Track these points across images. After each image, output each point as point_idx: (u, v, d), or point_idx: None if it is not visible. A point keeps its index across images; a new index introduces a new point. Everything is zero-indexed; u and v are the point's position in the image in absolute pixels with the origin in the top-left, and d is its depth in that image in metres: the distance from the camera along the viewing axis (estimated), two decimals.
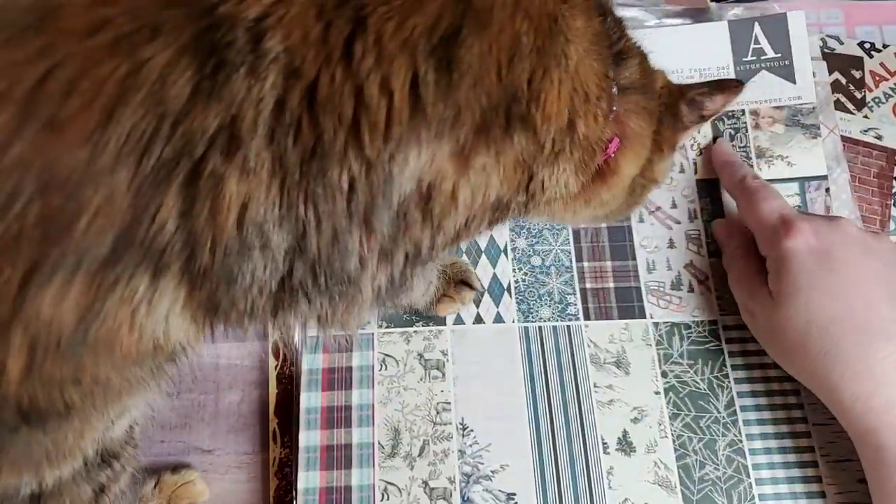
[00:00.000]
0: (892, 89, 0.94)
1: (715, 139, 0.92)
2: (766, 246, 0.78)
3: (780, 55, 0.94)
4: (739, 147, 0.91)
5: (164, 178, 0.45)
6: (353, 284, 0.55)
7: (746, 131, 0.92)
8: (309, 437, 0.80)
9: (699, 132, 0.92)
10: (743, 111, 0.93)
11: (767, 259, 0.77)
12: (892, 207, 0.89)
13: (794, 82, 0.93)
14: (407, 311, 0.86)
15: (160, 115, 0.44)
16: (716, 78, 0.94)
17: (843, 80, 0.95)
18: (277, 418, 0.83)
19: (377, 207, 0.51)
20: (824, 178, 0.90)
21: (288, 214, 0.49)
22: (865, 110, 0.93)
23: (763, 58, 0.94)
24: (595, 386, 0.82)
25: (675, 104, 0.72)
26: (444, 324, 0.85)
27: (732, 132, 0.92)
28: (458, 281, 0.85)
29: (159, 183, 0.45)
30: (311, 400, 0.81)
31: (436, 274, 0.82)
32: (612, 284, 0.86)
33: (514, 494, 0.78)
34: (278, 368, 0.84)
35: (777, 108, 0.93)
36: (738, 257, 0.82)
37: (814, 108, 0.92)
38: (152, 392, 0.59)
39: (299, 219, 0.49)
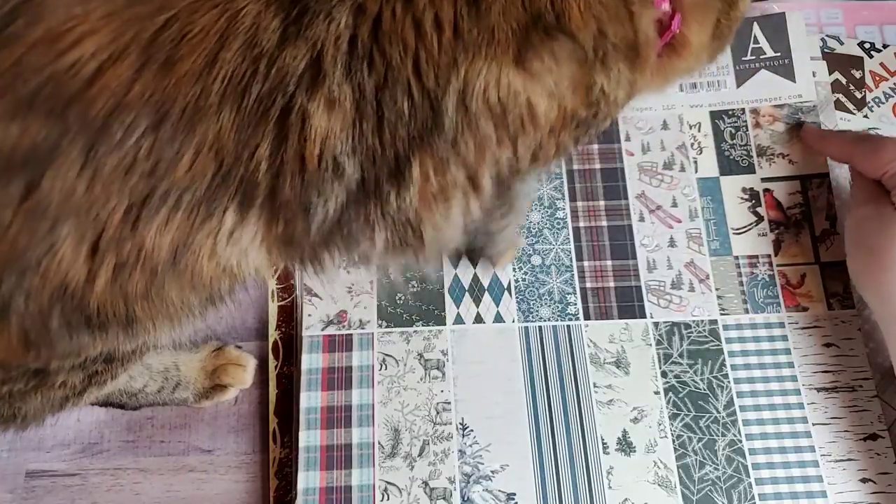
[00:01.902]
0: (892, 89, 0.94)
1: (800, 125, 0.92)
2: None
3: (779, 54, 0.94)
4: (740, 145, 0.91)
5: (261, 116, 0.50)
6: (412, 223, 0.59)
7: (747, 130, 0.92)
8: (309, 437, 0.79)
9: (699, 131, 0.91)
10: (743, 110, 0.93)
11: None
12: None
13: (793, 81, 0.93)
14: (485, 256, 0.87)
15: (255, 56, 0.49)
16: (714, 77, 0.94)
17: (844, 80, 0.94)
18: (277, 418, 0.82)
19: (435, 138, 0.55)
20: (826, 175, 0.90)
21: (360, 144, 0.53)
22: (865, 110, 0.93)
23: (762, 57, 0.94)
24: (595, 386, 0.82)
25: None
26: (444, 323, 0.84)
27: (733, 130, 0.92)
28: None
29: (258, 121, 0.50)
30: (310, 400, 0.81)
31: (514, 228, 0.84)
32: (612, 284, 0.86)
33: (514, 494, 0.78)
34: (278, 368, 0.84)
35: (777, 106, 0.93)
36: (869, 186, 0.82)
37: (814, 106, 0.92)
38: (189, 327, 0.62)
39: (370, 148, 0.53)
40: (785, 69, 0.94)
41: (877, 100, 0.93)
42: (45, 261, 0.49)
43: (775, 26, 0.94)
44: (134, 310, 0.54)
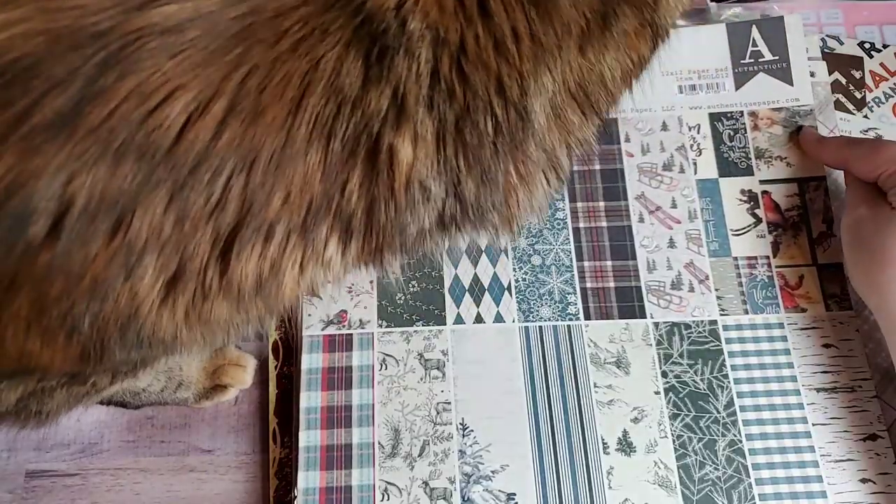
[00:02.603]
0: (892, 89, 0.94)
1: (800, 129, 0.92)
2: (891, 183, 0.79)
3: (777, 57, 0.94)
4: (738, 147, 0.91)
5: (349, 156, 0.52)
6: (496, 211, 0.62)
7: (745, 132, 0.92)
8: (309, 437, 0.79)
9: (698, 133, 0.91)
10: (741, 112, 0.93)
11: None
12: None
13: (791, 84, 0.93)
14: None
15: (340, 101, 0.51)
16: (713, 80, 0.94)
17: (843, 81, 0.94)
18: (277, 418, 0.82)
19: (522, 140, 0.58)
20: (823, 178, 0.89)
21: (445, 168, 0.56)
22: (865, 110, 0.93)
23: (761, 60, 0.94)
24: (595, 386, 0.81)
25: None
26: (445, 323, 0.84)
27: (731, 133, 0.91)
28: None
29: (346, 160, 0.52)
30: (310, 400, 0.80)
31: None
32: (612, 284, 0.85)
33: (514, 494, 0.77)
34: (278, 368, 0.84)
35: (775, 109, 0.92)
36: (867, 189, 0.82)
37: (811, 109, 0.92)
38: (212, 346, 0.67)
39: (453, 170, 0.56)
40: (783, 73, 0.94)
41: (877, 100, 0.93)
42: (125, 290, 0.50)
43: (774, 30, 0.94)
44: (192, 334, 0.56)
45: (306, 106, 0.50)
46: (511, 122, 0.56)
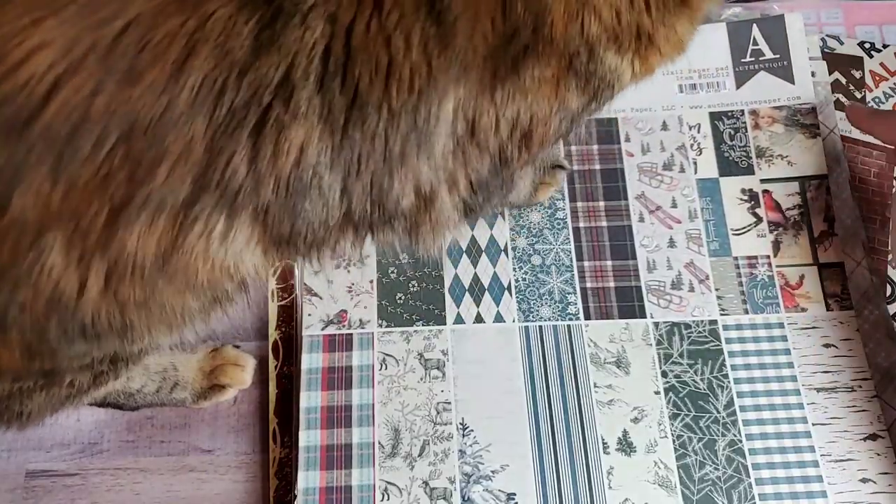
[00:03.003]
0: (892, 89, 0.93)
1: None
2: None
3: (778, 56, 0.94)
4: (739, 146, 0.90)
5: (236, 126, 0.49)
6: (410, 219, 0.59)
7: (746, 131, 0.91)
8: (309, 437, 0.79)
9: (699, 132, 0.91)
10: (742, 111, 0.92)
11: None
12: None
13: (792, 83, 0.93)
14: (507, 207, 0.88)
15: (228, 65, 0.47)
16: (714, 79, 0.93)
17: (843, 80, 0.94)
18: (277, 418, 0.81)
19: (413, 155, 0.54)
20: (824, 177, 0.89)
21: (337, 158, 0.52)
22: None
23: (762, 59, 0.94)
24: (595, 386, 0.81)
25: None
26: (445, 323, 0.83)
27: (732, 132, 0.91)
28: (551, 166, 0.87)
29: (232, 130, 0.49)
30: (310, 399, 0.80)
31: (533, 170, 0.84)
32: (612, 284, 0.85)
33: (514, 494, 0.77)
34: (278, 368, 0.83)
35: (776, 108, 0.92)
36: None
37: (812, 108, 0.92)
38: (190, 331, 0.62)
39: (345, 163, 0.53)
40: (784, 71, 0.93)
41: (877, 100, 0.93)
42: (35, 272, 0.48)
43: (774, 28, 0.94)
44: (130, 318, 0.54)
45: (191, 69, 0.46)
46: (401, 131, 0.53)
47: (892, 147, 0.85)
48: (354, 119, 0.51)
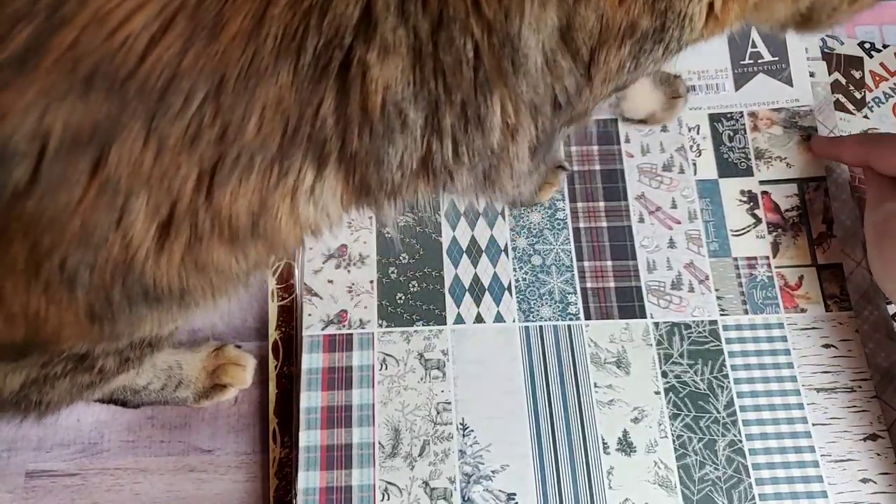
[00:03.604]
0: (892, 89, 0.93)
1: (809, 137, 0.90)
2: None
3: (777, 59, 0.93)
4: (738, 148, 0.90)
5: (321, 73, 0.49)
6: (501, 154, 0.59)
7: (745, 133, 0.91)
8: (309, 437, 0.78)
9: (698, 133, 0.90)
10: (741, 113, 0.92)
11: None
12: None
13: (791, 85, 0.92)
14: (512, 205, 0.88)
15: (306, 9, 0.48)
16: (713, 80, 0.93)
17: (843, 81, 0.93)
18: (277, 418, 0.81)
19: (511, 73, 0.53)
20: (823, 179, 0.89)
21: (421, 90, 0.52)
22: (865, 110, 0.92)
23: (760, 61, 0.93)
24: (595, 386, 0.80)
25: None
26: (445, 323, 0.83)
27: (731, 133, 0.91)
28: (553, 167, 0.87)
29: (318, 77, 0.49)
30: (311, 400, 0.79)
31: (544, 169, 0.83)
32: (612, 284, 0.84)
33: (515, 494, 0.76)
34: (278, 368, 0.83)
35: (775, 110, 0.92)
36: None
37: (811, 110, 0.91)
38: (227, 298, 0.62)
39: (431, 93, 0.52)
40: (782, 73, 0.93)
41: (877, 100, 0.92)
42: (116, 234, 0.49)
43: None
44: (196, 283, 0.55)
45: (270, 17, 0.47)
46: (495, 49, 0.52)
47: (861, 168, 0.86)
48: (442, 42, 0.51)
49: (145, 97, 0.46)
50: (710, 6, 0.58)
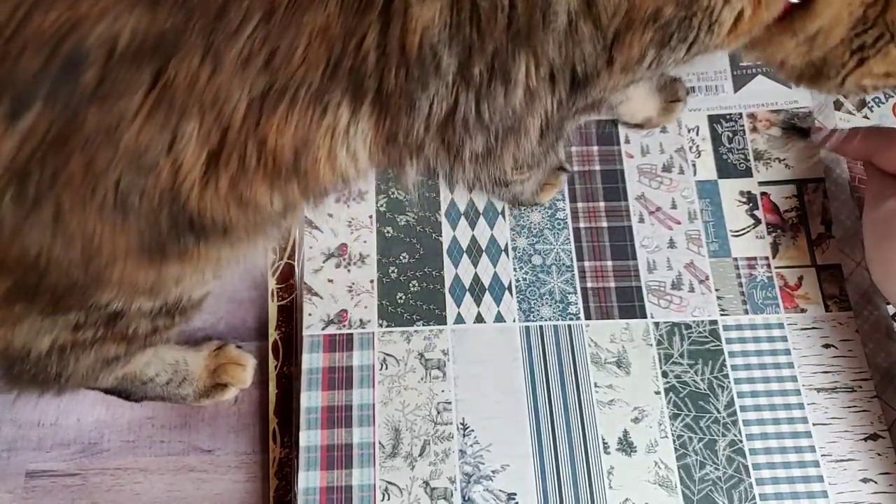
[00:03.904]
0: (892, 89, 0.92)
1: (800, 130, 0.90)
2: None
3: None
4: (737, 149, 0.89)
5: (367, 5, 0.49)
6: (517, 121, 0.58)
7: (744, 134, 0.90)
8: (309, 437, 0.77)
9: (697, 135, 0.90)
10: (740, 114, 0.91)
11: None
12: None
13: (789, 87, 0.92)
14: (513, 204, 0.88)
15: None
16: (712, 82, 0.93)
17: None
18: (277, 418, 0.80)
19: (540, 27, 0.52)
20: (821, 180, 0.88)
21: (456, 34, 0.51)
22: (865, 110, 0.91)
23: (759, 63, 0.92)
24: (596, 385, 0.80)
25: None
26: (445, 323, 0.82)
27: (730, 134, 0.90)
28: (554, 168, 0.87)
29: (363, 10, 0.49)
30: (311, 399, 0.79)
31: (541, 174, 0.83)
32: (612, 284, 0.84)
33: (515, 494, 0.76)
34: (278, 368, 0.82)
35: (773, 111, 0.91)
36: None
37: (809, 111, 0.91)
38: (265, 238, 0.62)
39: (465, 39, 0.51)
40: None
41: (877, 100, 0.92)
42: (164, 160, 0.49)
43: None
44: (238, 219, 0.55)
45: None
46: (529, 2, 0.52)
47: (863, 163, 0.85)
48: None
49: (207, 12, 0.46)
50: (740, 13, 0.57)
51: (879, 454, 0.77)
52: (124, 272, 0.54)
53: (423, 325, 0.82)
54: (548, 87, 0.57)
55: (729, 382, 0.80)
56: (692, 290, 0.84)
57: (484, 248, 0.86)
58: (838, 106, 0.91)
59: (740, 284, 0.84)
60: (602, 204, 0.87)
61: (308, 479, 0.76)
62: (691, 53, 0.59)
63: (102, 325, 0.61)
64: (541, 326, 0.82)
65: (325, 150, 0.53)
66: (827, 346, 0.81)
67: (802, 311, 0.83)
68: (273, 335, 0.83)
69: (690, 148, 0.90)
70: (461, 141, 0.58)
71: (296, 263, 0.85)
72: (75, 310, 0.57)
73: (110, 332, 0.62)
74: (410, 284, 0.84)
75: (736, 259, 0.85)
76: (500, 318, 0.82)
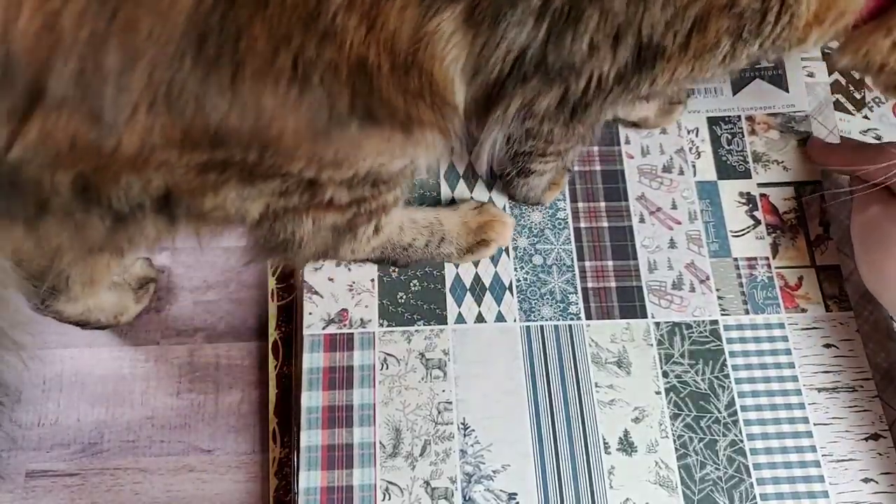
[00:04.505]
0: None
1: (807, 140, 0.89)
2: None
3: (773, 65, 0.92)
4: (736, 151, 0.89)
5: None
6: (573, 72, 0.56)
7: (743, 136, 0.90)
8: (310, 437, 0.76)
9: (697, 136, 0.89)
10: (739, 117, 0.91)
11: None
12: None
13: (787, 91, 0.92)
14: (524, 202, 0.87)
15: None
16: (711, 85, 0.92)
17: (843, 81, 0.92)
18: (277, 418, 0.80)
19: None
20: (819, 182, 0.88)
21: None
22: (865, 111, 0.91)
23: (757, 66, 0.92)
24: (596, 385, 0.79)
25: None
26: (446, 323, 0.81)
27: (729, 136, 0.90)
28: (563, 168, 0.86)
29: None
30: (312, 399, 0.78)
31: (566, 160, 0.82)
32: (613, 284, 0.83)
33: (516, 494, 0.75)
34: (278, 368, 0.82)
35: (771, 114, 0.91)
36: (885, 216, 0.77)
37: (807, 115, 0.90)
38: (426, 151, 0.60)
39: None
40: (779, 79, 0.92)
41: (877, 100, 0.91)
42: (337, 30, 0.47)
43: None
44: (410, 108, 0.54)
45: None
46: None
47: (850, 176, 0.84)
48: None
49: None
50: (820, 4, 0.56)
51: (880, 454, 0.76)
52: (296, 147, 0.53)
53: (424, 324, 0.81)
54: (610, 47, 0.55)
55: (730, 382, 0.79)
56: (693, 290, 0.83)
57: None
58: (838, 106, 0.91)
59: (741, 284, 0.83)
60: (603, 204, 0.87)
61: (309, 479, 0.75)
62: (765, 48, 0.58)
63: (305, 192, 0.60)
64: (541, 326, 0.81)
65: (435, 53, 0.51)
66: (828, 345, 0.80)
67: (803, 311, 0.82)
68: (273, 335, 0.83)
69: (690, 149, 0.89)
70: (517, 86, 0.57)
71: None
72: (274, 178, 0.57)
73: (313, 199, 0.61)
74: (411, 284, 0.83)
75: (736, 259, 0.84)
76: (500, 318, 0.81)
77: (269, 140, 0.51)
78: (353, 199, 0.63)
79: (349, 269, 0.83)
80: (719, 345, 0.80)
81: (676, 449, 0.76)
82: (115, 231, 0.55)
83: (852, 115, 0.91)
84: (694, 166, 0.88)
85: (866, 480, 0.75)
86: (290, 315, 0.83)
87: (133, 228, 0.56)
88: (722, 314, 0.82)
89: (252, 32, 0.46)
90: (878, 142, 0.87)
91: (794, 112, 0.91)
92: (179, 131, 0.48)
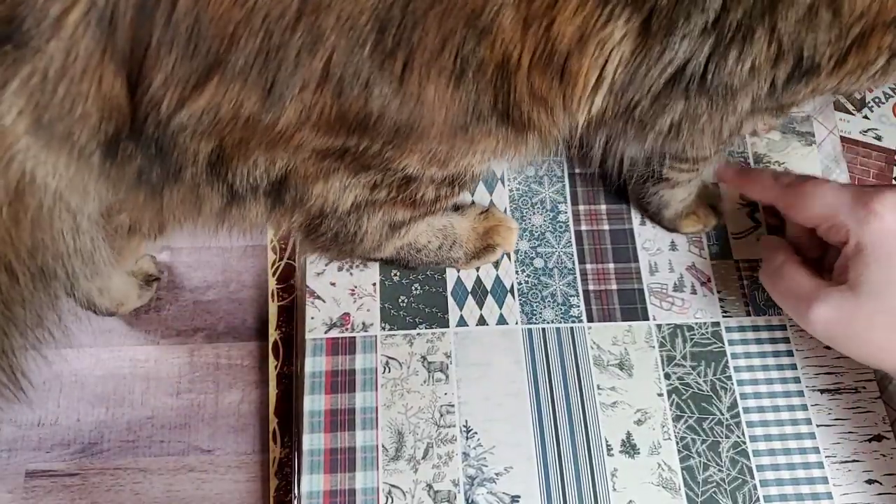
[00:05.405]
0: (891, 89, 0.91)
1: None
2: (833, 237, 0.69)
3: None
4: (737, 152, 0.88)
5: None
6: (731, 95, 0.55)
7: (744, 137, 0.89)
8: (312, 441, 0.75)
9: None
10: None
11: (838, 253, 0.69)
12: None
13: None
14: (659, 222, 0.85)
15: None
16: None
17: None
18: (277, 418, 0.79)
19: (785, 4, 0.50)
20: None
21: None
22: (865, 111, 0.90)
23: None
24: (598, 388, 0.77)
25: None
26: (447, 326, 0.80)
27: None
28: (707, 203, 0.84)
29: None
30: (314, 403, 0.76)
31: (693, 189, 0.81)
32: (614, 286, 0.82)
33: (519, 497, 0.73)
34: (278, 368, 0.80)
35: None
36: (790, 266, 0.72)
37: (808, 116, 0.89)
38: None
39: None
40: None
41: (877, 100, 0.90)
42: (494, 26, 0.47)
43: None
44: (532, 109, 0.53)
45: None
46: None
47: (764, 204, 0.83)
48: None
49: None
50: None
51: (884, 455, 0.75)
52: (433, 141, 0.53)
53: (426, 328, 0.80)
54: (769, 69, 0.53)
55: (732, 384, 0.78)
56: (694, 292, 0.82)
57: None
58: (838, 106, 0.90)
59: (742, 286, 0.82)
60: (603, 207, 0.86)
61: (311, 483, 0.73)
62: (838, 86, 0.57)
63: (396, 188, 0.60)
64: (543, 329, 0.80)
65: (591, 58, 0.50)
66: (829, 347, 0.79)
67: None
68: (273, 335, 0.82)
69: None
70: (669, 104, 0.56)
71: (296, 264, 0.83)
72: (374, 170, 0.57)
73: (401, 195, 0.62)
74: (413, 287, 0.82)
75: (737, 261, 0.83)
76: (502, 321, 0.80)
77: (416, 132, 0.52)
78: (434, 197, 0.64)
79: (351, 274, 0.81)
80: (721, 346, 0.79)
81: (679, 451, 0.75)
82: (226, 209, 0.56)
83: (852, 114, 0.90)
84: None
85: (870, 482, 0.74)
86: (291, 315, 0.82)
87: (239, 210, 0.56)
88: (723, 316, 0.81)
89: (425, 25, 0.46)
90: (806, 177, 0.75)
91: (795, 113, 0.90)
92: (336, 113, 0.49)
